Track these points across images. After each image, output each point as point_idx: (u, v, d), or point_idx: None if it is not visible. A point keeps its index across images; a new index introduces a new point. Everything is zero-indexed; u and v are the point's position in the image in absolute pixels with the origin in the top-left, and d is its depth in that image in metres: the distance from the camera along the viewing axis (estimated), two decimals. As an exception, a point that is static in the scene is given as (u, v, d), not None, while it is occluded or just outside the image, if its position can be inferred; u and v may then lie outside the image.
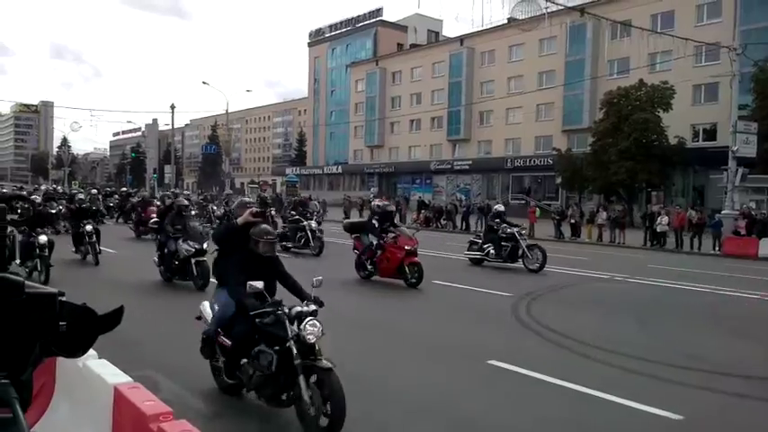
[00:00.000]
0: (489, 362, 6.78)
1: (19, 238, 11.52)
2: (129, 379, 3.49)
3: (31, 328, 1.35)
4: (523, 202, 45.43)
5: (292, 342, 4.71)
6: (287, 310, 4.89)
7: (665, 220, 25.04)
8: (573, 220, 28.18)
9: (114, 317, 1.48)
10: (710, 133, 39.98)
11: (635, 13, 39.26)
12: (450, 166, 57.38)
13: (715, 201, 33.75)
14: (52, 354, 1.43)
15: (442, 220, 34.57)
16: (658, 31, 35.55)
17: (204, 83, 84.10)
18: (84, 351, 1.49)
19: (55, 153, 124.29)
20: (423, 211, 36.70)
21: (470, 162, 55.71)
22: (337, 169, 71.10)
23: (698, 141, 40.13)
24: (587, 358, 7.28)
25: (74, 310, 1.41)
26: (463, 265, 16.35)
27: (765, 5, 35.86)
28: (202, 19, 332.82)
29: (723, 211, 25.20)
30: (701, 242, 24.15)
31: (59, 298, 1.38)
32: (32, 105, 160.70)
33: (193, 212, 16.59)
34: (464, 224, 32.46)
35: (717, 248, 23.63)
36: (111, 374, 3.58)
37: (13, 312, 1.31)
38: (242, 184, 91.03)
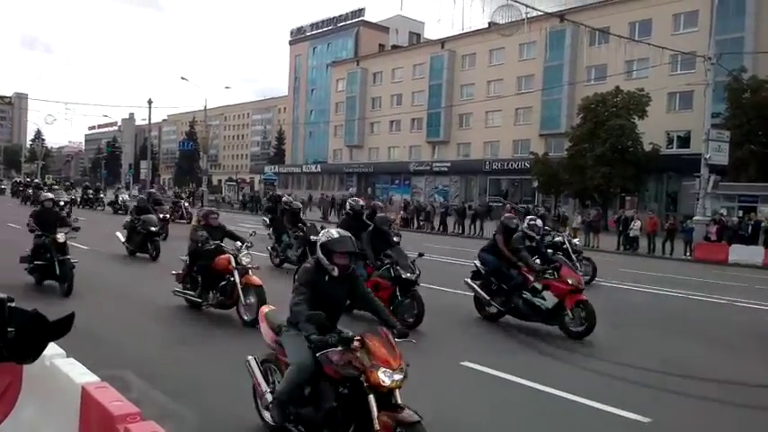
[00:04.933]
0: (462, 363, 6.82)
1: None
2: (97, 378, 3.43)
3: None
4: (500, 204, 45.76)
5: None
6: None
7: (638, 224, 25.42)
8: (547, 227, 28.31)
9: (65, 323, 1.43)
10: (684, 140, 40.69)
11: (613, 21, 39.84)
12: (428, 168, 57.57)
13: (687, 207, 34.33)
14: (2, 358, 1.38)
15: (420, 220, 34.60)
16: (636, 39, 36.13)
17: (183, 78, 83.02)
18: (35, 358, 1.43)
19: (28, 146, 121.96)
20: (401, 212, 36.65)
21: (449, 164, 55.99)
22: (316, 168, 70.90)
23: (672, 148, 40.81)
24: (558, 361, 7.36)
25: (23, 316, 1.36)
26: (436, 265, 16.37)
27: (740, 16, 36.65)
28: (180, 12, 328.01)
29: (695, 217, 25.65)
30: (672, 247, 24.57)
31: (8, 304, 1.34)
32: (6, 97, 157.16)
33: None
34: (441, 226, 32.55)
35: (688, 254, 24.08)
36: (79, 373, 3.51)
37: None
38: (219, 181, 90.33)
